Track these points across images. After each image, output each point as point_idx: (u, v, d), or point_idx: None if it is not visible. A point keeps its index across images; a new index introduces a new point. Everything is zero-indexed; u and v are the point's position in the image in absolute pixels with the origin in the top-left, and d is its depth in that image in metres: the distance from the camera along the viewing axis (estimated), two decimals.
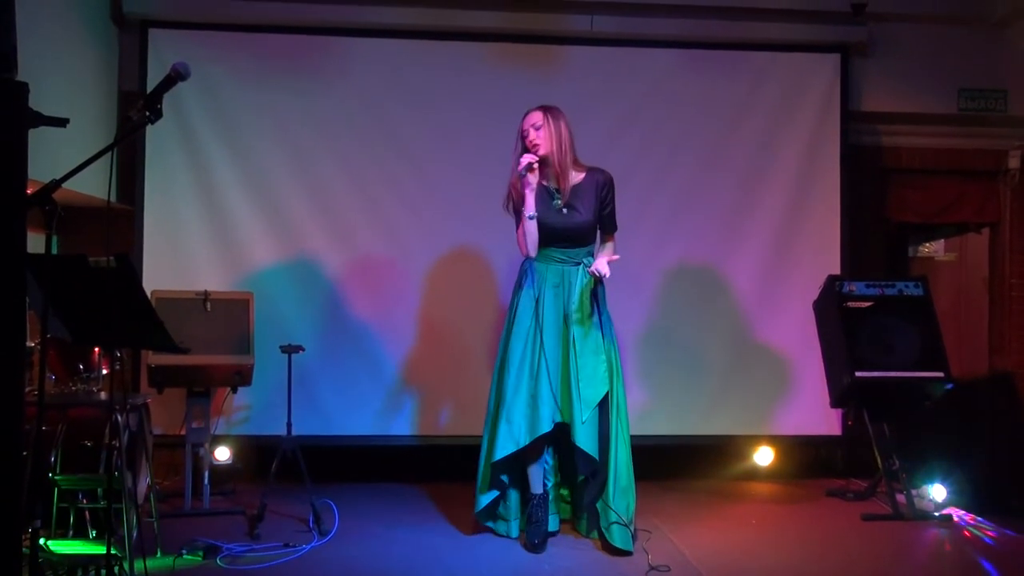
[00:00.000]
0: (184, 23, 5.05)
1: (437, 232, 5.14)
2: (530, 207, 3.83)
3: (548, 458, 4.04)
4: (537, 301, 3.91)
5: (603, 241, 4.07)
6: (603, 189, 3.93)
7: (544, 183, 3.90)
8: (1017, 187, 5.77)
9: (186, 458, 4.39)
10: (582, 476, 3.92)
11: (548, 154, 3.84)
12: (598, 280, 3.89)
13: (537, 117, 3.86)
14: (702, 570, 3.64)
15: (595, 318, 3.88)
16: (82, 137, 4.53)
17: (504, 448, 3.83)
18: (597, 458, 3.77)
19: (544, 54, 5.24)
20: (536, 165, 3.80)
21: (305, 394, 4.79)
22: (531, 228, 3.86)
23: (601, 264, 3.81)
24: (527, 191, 3.82)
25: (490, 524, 4.07)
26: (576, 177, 3.91)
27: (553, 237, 3.91)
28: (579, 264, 3.92)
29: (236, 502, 4.58)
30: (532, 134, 3.84)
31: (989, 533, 4.27)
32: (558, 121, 3.85)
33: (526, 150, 3.85)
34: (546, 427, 3.79)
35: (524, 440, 3.82)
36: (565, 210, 3.86)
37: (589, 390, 3.78)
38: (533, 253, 3.92)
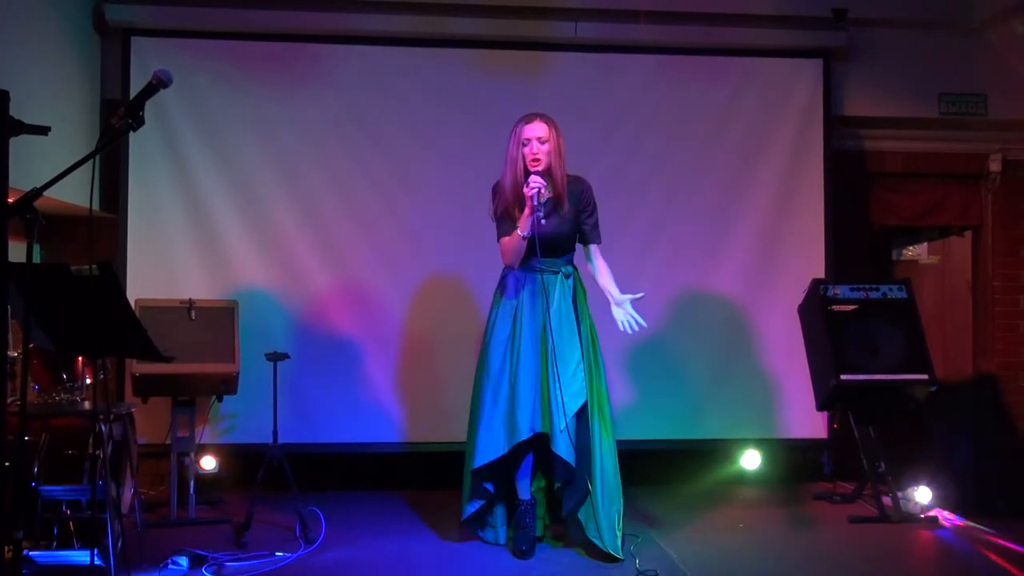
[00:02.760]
0: (167, 31, 5.04)
1: (423, 239, 5.14)
2: (525, 228, 3.75)
3: (531, 463, 4.03)
4: (516, 310, 3.91)
5: (591, 257, 4.03)
6: (582, 199, 3.91)
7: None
8: (999, 190, 5.82)
9: (171, 467, 4.37)
10: (559, 483, 3.90)
11: (548, 170, 3.80)
12: (579, 288, 3.95)
13: (542, 129, 3.78)
14: (690, 574, 3.64)
15: (574, 326, 3.88)
16: (64, 145, 4.51)
17: (483, 456, 3.82)
18: (574, 465, 3.76)
19: (529, 60, 5.26)
20: (544, 190, 3.74)
21: (291, 402, 4.78)
22: (522, 246, 3.81)
23: (626, 314, 3.90)
24: (528, 211, 3.72)
25: (478, 532, 4.06)
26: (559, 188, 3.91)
27: (533, 247, 3.91)
28: (557, 273, 3.92)
29: (222, 511, 4.55)
30: (536, 146, 3.77)
31: (975, 535, 4.29)
32: (559, 135, 3.82)
33: (526, 162, 3.78)
34: (524, 435, 3.78)
35: (503, 448, 3.81)
36: (545, 220, 3.85)
37: (567, 399, 3.77)
38: (516, 265, 3.91)
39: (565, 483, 3.86)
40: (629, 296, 3.93)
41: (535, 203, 3.68)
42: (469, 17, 5.17)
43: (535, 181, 3.71)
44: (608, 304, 4.07)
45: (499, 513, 4.03)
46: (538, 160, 3.77)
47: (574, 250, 4.01)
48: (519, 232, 3.76)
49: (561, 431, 3.73)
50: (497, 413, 3.85)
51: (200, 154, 5.01)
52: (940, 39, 5.62)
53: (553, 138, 3.80)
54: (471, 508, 3.96)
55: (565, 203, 3.85)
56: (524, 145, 3.79)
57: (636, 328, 3.92)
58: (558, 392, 3.76)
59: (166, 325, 4.26)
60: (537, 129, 3.79)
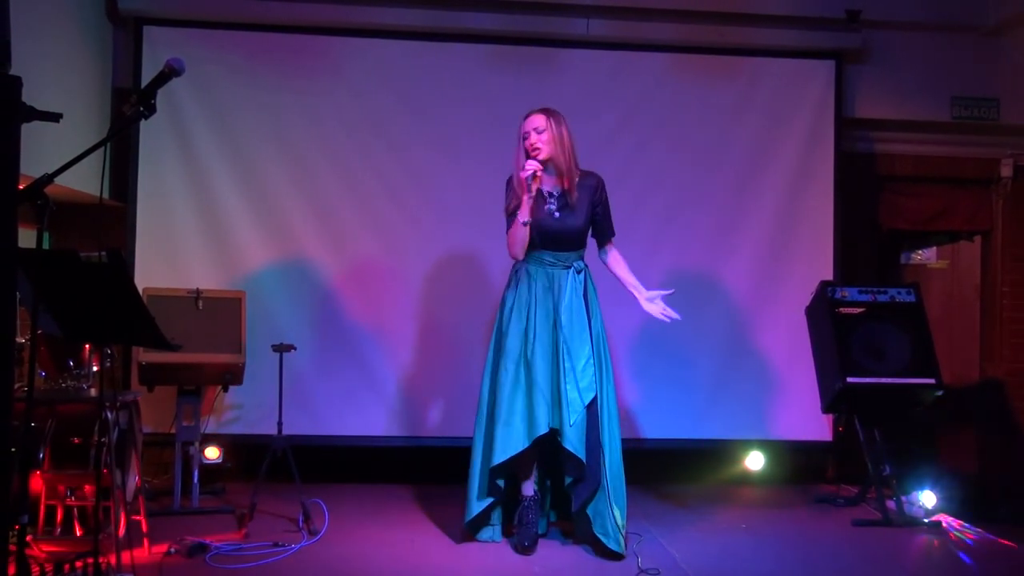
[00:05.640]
0: (179, 21, 5.04)
1: (431, 233, 5.14)
2: (524, 214, 3.78)
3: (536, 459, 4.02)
4: (528, 304, 3.90)
5: (605, 251, 4.08)
6: (596, 192, 3.93)
7: (540, 187, 3.88)
8: (1009, 196, 5.80)
9: (176, 456, 4.38)
10: (569, 479, 3.88)
11: (550, 158, 3.80)
12: (590, 284, 3.96)
13: (539, 120, 3.81)
14: (692, 574, 3.63)
15: (585, 322, 3.87)
16: (75, 133, 4.51)
17: (504, 452, 3.78)
18: (584, 461, 3.75)
19: (540, 57, 5.25)
20: (540, 173, 3.76)
21: (296, 394, 4.79)
22: (523, 233, 3.82)
23: (660, 308, 3.95)
24: (526, 197, 3.76)
25: (476, 534, 3.99)
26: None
27: (546, 240, 3.89)
28: (569, 268, 3.91)
29: (225, 501, 4.57)
30: (534, 137, 3.79)
31: (978, 540, 4.28)
32: (560, 124, 3.82)
33: (527, 154, 3.81)
34: (542, 429, 3.76)
35: (524, 443, 3.79)
36: (558, 214, 3.85)
37: (576, 393, 3.77)
38: (520, 256, 3.91)
39: (575, 480, 3.83)
40: (658, 292, 3.99)
41: (529, 184, 3.71)
42: (481, 12, 5.17)
43: (530, 164, 3.73)
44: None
45: (497, 511, 4.02)
46: (537, 150, 3.80)
47: (585, 245, 4.00)
48: (519, 219, 3.78)
49: (571, 426, 3.73)
50: (516, 408, 3.82)
51: (210, 144, 5.02)
52: (953, 42, 5.59)
53: (552, 127, 3.80)
54: (479, 507, 3.91)
55: (575, 196, 3.86)
56: (524, 139, 3.83)
57: (670, 320, 3.98)
58: (566, 387, 3.76)
59: (173, 314, 4.28)
60: (533, 121, 3.83)
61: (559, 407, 3.78)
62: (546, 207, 3.86)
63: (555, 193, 3.88)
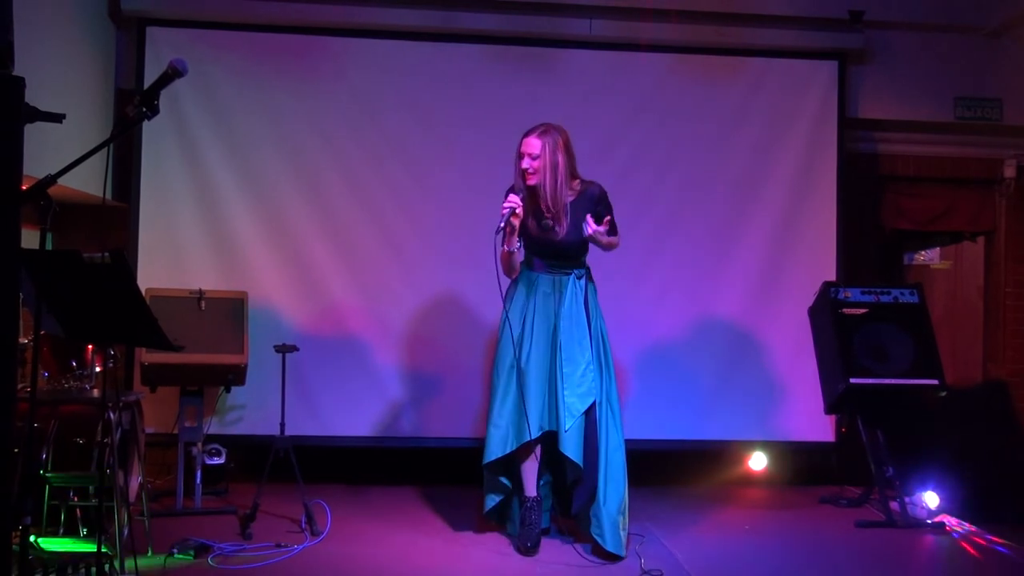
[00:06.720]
0: (182, 21, 5.04)
1: (433, 234, 5.13)
2: (510, 243, 3.82)
3: (539, 459, 4.03)
4: (526, 309, 3.93)
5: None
6: (598, 204, 3.91)
7: (539, 203, 3.88)
8: (1012, 196, 5.79)
9: (178, 457, 4.39)
10: (570, 481, 3.91)
11: (539, 184, 3.81)
12: (591, 287, 3.97)
13: (535, 146, 3.80)
14: (694, 575, 3.63)
15: (584, 328, 3.88)
16: (78, 134, 4.52)
17: (492, 452, 3.86)
18: (582, 465, 3.77)
19: (543, 57, 5.25)
20: (519, 210, 3.77)
21: (299, 394, 4.79)
22: (512, 259, 3.89)
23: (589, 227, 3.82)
24: (508, 230, 3.78)
25: (503, 524, 4.09)
26: (570, 196, 3.89)
27: (545, 254, 3.93)
28: (569, 274, 3.92)
29: (228, 501, 4.57)
30: (527, 162, 3.81)
31: (981, 541, 4.27)
32: (555, 150, 3.80)
33: (522, 176, 3.83)
34: (533, 433, 3.80)
35: (511, 445, 3.84)
36: (557, 228, 3.86)
37: (574, 399, 3.79)
38: (512, 276, 3.98)
39: (574, 482, 3.86)
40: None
41: (508, 219, 3.73)
42: (484, 13, 5.17)
43: (510, 200, 3.75)
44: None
45: (516, 507, 4.06)
46: (531, 175, 3.82)
47: (587, 252, 4.00)
48: (506, 247, 3.83)
49: (567, 431, 3.75)
50: (505, 411, 3.87)
51: (212, 145, 5.02)
52: (957, 43, 5.59)
53: (547, 153, 3.80)
54: (490, 503, 4.00)
55: (564, 217, 3.85)
56: (520, 159, 3.84)
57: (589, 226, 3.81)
58: (564, 393, 3.78)
59: (176, 315, 4.28)
60: (529, 145, 3.83)
61: (556, 411, 3.79)
62: (543, 222, 3.87)
63: (553, 213, 3.87)
